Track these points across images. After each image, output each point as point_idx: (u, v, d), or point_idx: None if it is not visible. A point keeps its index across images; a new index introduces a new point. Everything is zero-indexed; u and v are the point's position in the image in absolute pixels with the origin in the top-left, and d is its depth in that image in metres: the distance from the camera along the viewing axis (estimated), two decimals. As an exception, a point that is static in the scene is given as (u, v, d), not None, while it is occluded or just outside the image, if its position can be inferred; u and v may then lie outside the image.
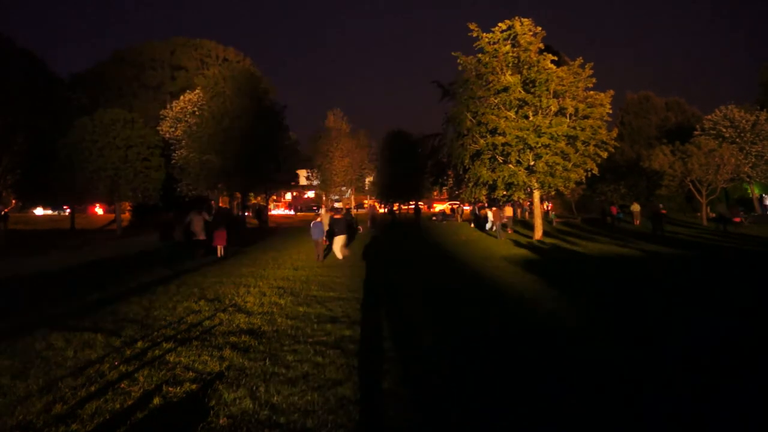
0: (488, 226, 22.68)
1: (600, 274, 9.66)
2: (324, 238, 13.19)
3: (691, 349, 4.52)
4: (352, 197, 39.81)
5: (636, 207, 28.57)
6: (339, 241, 12.70)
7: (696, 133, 32.92)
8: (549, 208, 36.26)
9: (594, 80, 17.72)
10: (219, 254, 13.86)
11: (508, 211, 23.22)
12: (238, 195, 30.23)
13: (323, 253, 12.78)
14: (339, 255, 12.61)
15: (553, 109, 17.09)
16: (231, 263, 12.14)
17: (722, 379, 3.78)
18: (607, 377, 3.88)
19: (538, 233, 18.43)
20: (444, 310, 6.47)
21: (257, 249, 16.21)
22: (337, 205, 48.17)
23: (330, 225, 13.37)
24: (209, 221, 14.33)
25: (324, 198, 42.54)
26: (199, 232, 13.85)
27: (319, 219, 13.40)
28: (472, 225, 27.49)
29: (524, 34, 17.21)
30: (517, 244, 16.20)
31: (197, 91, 32.15)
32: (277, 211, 57.34)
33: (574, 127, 16.91)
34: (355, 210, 36.50)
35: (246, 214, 30.74)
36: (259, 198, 45.84)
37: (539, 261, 11.76)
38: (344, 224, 13.09)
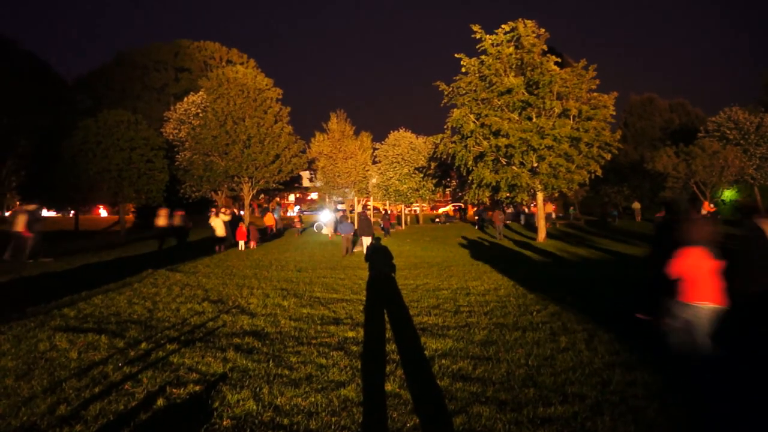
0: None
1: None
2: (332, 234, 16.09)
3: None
4: (356, 199, 39.78)
5: (636, 205, 29.53)
6: (366, 241, 14.39)
7: (700, 134, 32.79)
8: (553, 209, 36.44)
9: (597, 82, 17.72)
10: (240, 248, 16.19)
11: (549, 207, 26.34)
12: (243, 197, 30.25)
13: (351, 247, 14.90)
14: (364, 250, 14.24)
15: (557, 110, 17.07)
16: (233, 264, 12.14)
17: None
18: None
19: (541, 235, 18.41)
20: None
21: (260, 250, 16.25)
22: (340, 206, 48.20)
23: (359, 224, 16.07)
24: (229, 220, 16.78)
25: (327, 200, 42.52)
26: (219, 230, 15.91)
27: (348, 219, 15.95)
28: (477, 227, 27.49)
29: (527, 35, 17.20)
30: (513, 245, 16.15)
31: (201, 92, 32.21)
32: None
33: (578, 129, 16.88)
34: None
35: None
36: (262, 199, 45.94)
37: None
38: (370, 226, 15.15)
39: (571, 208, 37.85)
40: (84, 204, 31.71)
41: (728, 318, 3.88)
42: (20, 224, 12.17)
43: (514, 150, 17.01)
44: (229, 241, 16.55)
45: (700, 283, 3.77)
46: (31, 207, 13.13)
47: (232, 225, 17.06)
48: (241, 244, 16.49)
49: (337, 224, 22.90)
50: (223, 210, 18.40)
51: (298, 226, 25.31)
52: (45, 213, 52.90)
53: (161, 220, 16.50)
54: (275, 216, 24.57)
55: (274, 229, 23.07)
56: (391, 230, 24.62)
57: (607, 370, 4.10)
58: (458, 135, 18.98)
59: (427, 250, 16.08)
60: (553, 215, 32.05)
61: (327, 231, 22.82)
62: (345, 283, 9.07)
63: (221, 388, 3.81)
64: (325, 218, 22.78)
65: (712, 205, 19.72)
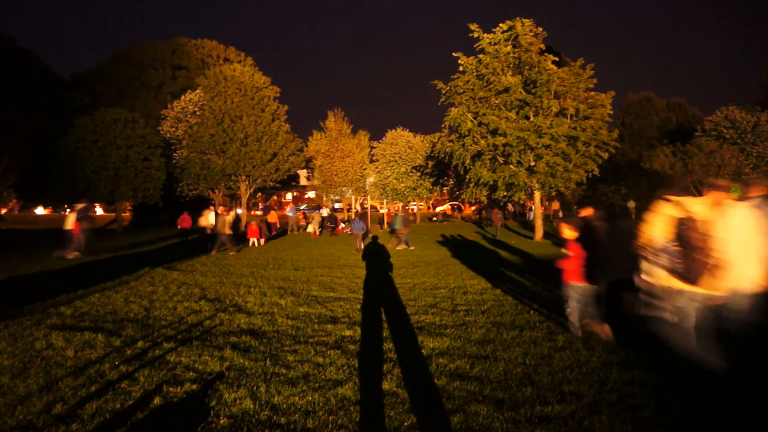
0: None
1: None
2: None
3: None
4: (353, 197, 39.76)
5: (631, 203, 30.13)
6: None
7: (697, 134, 32.88)
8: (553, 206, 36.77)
9: (595, 81, 17.75)
10: (250, 245, 17.02)
11: (555, 205, 27.77)
12: (240, 195, 30.20)
13: (361, 243, 15.51)
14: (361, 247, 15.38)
15: (554, 109, 17.09)
16: (230, 262, 12.13)
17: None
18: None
19: (538, 234, 18.44)
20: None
21: (259, 248, 16.24)
22: (337, 205, 48.20)
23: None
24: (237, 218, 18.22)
25: (324, 198, 42.55)
26: (228, 228, 16.56)
27: (357, 217, 16.56)
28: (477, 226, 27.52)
29: (525, 34, 17.19)
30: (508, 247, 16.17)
31: (198, 90, 32.11)
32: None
33: (575, 128, 16.90)
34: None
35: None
36: (259, 196, 45.92)
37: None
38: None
39: (575, 207, 38.18)
40: (81, 202, 31.60)
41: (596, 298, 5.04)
42: (70, 222, 13.63)
43: (511, 149, 17.03)
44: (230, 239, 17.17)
45: (573, 268, 5.05)
46: (80, 205, 14.35)
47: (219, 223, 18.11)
48: (252, 241, 17.29)
49: (324, 222, 23.14)
50: (213, 209, 19.16)
51: (302, 222, 27.03)
52: (41, 211, 52.79)
53: (204, 220, 17.75)
54: (290, 215, 26.23)
55: (279, 225, 23.80)
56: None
57: (604, 368, 4.11)
58: (456, 134, 18.99)
59: (425, 248, 16.09)
60: (560, 213, 32.38)
61: (311, 229, 23.04)
62: (342, 282, 9.06)
63: (218, 387, 3.80)
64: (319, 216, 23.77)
65: None
